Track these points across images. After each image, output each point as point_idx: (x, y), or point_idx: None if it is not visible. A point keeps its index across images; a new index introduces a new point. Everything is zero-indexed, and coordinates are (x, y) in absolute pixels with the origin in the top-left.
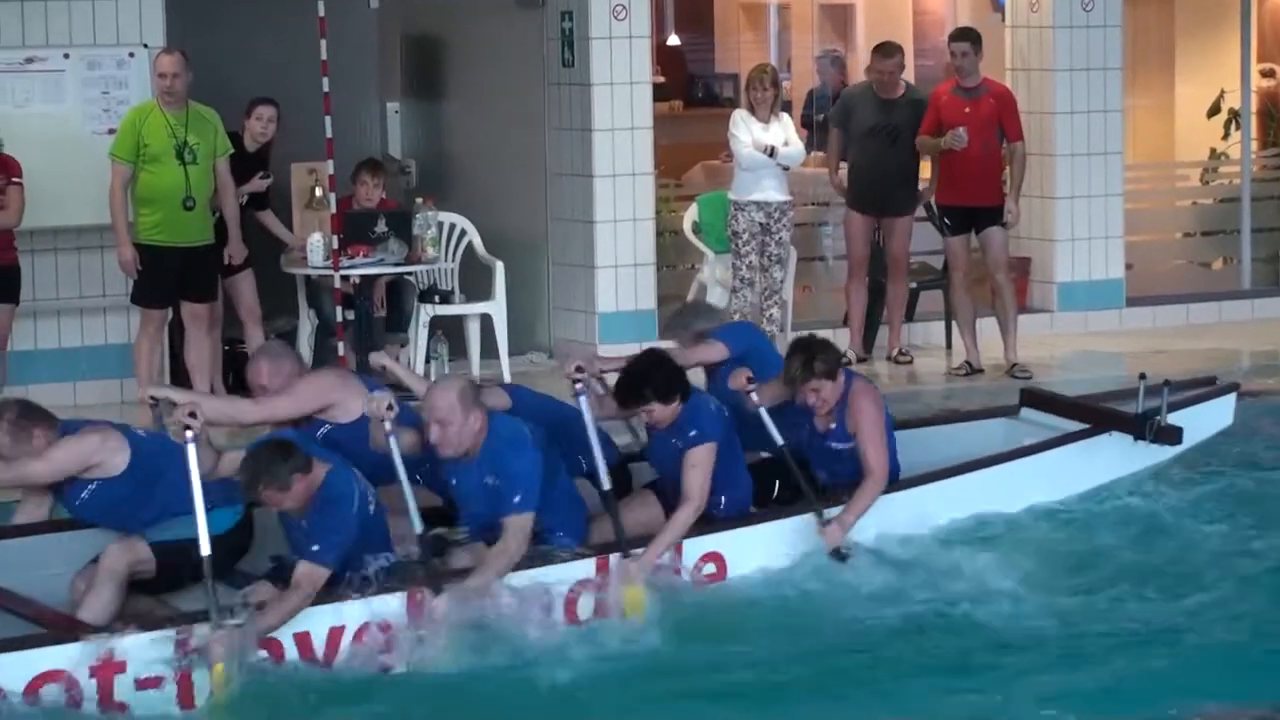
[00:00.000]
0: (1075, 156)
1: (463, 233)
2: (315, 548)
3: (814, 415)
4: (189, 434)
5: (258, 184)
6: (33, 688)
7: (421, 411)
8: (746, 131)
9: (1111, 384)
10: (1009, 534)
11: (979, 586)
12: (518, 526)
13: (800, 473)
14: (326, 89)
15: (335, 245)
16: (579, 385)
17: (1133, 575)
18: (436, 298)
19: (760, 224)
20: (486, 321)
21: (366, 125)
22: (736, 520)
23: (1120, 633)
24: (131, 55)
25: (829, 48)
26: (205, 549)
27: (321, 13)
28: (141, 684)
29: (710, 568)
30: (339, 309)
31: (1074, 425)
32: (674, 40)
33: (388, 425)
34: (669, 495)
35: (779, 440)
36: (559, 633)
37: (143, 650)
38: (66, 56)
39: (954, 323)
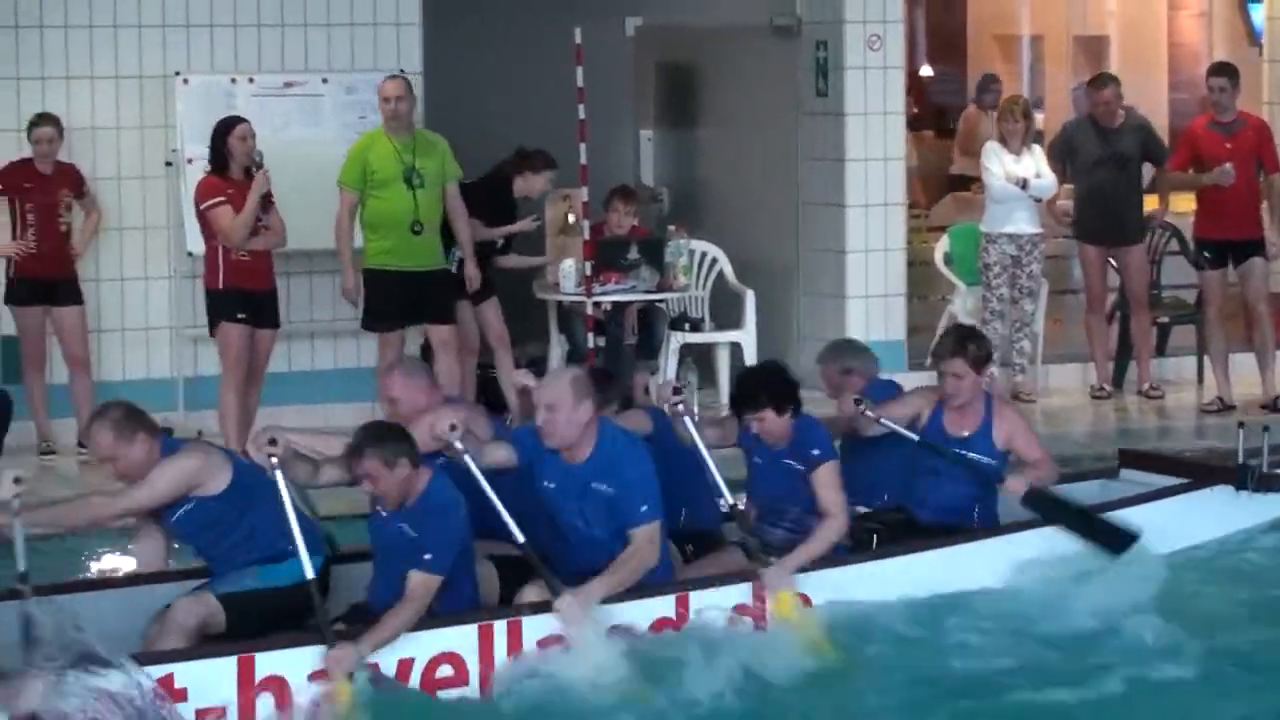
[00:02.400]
0: None
1: (714, 261)
2: (428, 556)
3: (944, 411)
4: (273, 460)
5: (528, 224)
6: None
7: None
8: (999, 163)
9: None
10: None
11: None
12: (647, 538)
13: None
14: (582, 116)
15: (588, 272)
16: (679, 407)
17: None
18: (687, 325)
19: (1011, 256)
20: (736, 350)
21: (620, 153)
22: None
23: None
24: None
25: (1084, 79)
26: (309, 573)
27: (578, 40)
28: (201, 714)
29: None
30: (590, 335)
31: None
32: (926, 70)
33: (458, 444)
34: (771, 523)
35: (913, 437)
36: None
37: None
38: (325, 81)
39: (1206, 357)
